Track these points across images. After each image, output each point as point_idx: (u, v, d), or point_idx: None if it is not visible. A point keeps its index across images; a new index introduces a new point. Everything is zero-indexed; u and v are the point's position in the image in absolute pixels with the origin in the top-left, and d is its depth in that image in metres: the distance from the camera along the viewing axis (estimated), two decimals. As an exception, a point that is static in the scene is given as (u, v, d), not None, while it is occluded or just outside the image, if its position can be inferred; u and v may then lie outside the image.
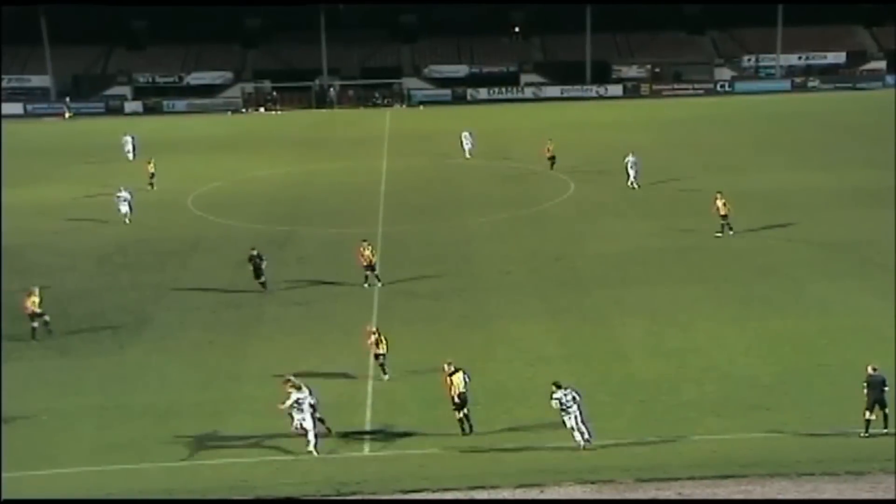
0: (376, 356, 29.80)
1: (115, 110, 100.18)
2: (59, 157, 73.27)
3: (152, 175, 59.61)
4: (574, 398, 24.69)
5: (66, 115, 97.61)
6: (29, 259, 43.73)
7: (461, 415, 25.99)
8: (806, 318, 34.29)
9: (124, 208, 50.07)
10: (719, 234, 44.40)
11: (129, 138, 69.52)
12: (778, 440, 25.15)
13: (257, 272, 38.38)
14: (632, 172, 55.04)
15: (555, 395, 24.79)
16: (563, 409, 24.69)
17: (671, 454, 24.61)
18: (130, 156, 68.45)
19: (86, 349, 33.43)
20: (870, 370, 25.19)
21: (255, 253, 38.46)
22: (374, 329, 30.23)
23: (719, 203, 44.58)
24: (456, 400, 25.97)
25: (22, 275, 40.29)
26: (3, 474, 23.58)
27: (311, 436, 25.12)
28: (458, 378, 26.06)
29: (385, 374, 29.70)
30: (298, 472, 24.34)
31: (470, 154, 66.49)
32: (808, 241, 43.74)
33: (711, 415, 26.85)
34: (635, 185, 54.71)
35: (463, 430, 25.97)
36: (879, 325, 32.60)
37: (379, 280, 38.80)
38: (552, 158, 61.56)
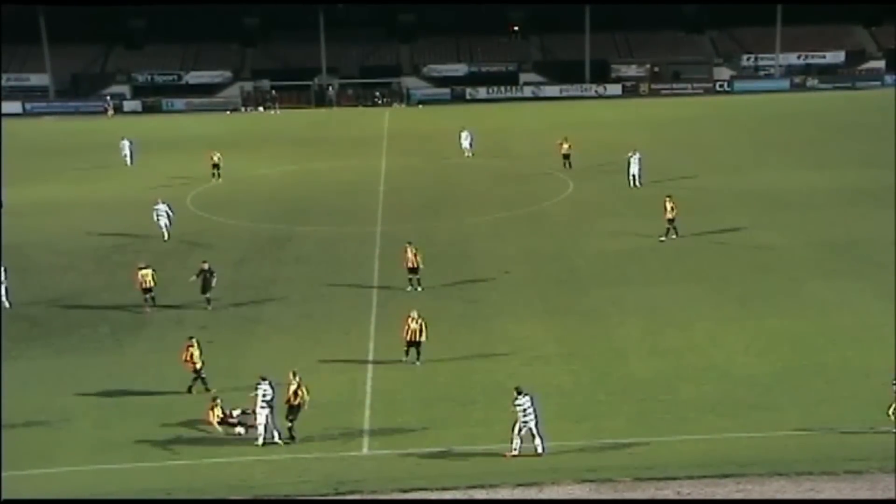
0: (417, 343, 30.69)
1: (114, 109, 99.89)
2: (59, 156, 73.14)
3: (216, 165, 60.62)
4: (532, 406, 24.73)
5: (110, 112, 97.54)
6: (28, 258, 43.65)
7: (291, 423, 26.02)
8: (804, 317, 34.31)
9: (164, 221, 46.77)
10: (663, 239, 44.13)
11: (126, 143, 68.28)
12: (776, 439, 25.18)
13: (205, 287, 36.62)
14: (635, 170, 54.95)
15: (517, 402, 24.73)
16: (523, 416, 24.64)
17: (670, 453, 24.63)
18: (128, 160, 67.33)
19: (84, 348, 33.44)
20: None
21: (206, 267, 36.75)
22: (415, 316, 30.76)
23: (668, 206, 44.28)
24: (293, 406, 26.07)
25: (21, 273, 40.20)
26: (3, 473, 23.58)
27: (260, 429, 25.89)
28: (302, 389, 26.16)
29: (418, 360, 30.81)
30: (296, 471, 24.36)
31: (470, 153, 66.45)
32: (807, 241, 43.77)
33: (710, 414, 26.87)
34: (638, 184, 54.60)
35: (291, 437, 25.98)
36: (878, 324, 32.64)
37: (420, 284, 38.39)
38: (567, 157, 61.35)
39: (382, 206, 53.24)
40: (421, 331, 30.66)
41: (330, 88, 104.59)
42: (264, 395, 26.06)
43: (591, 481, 22.92)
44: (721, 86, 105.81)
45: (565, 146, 61.60)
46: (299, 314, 36.27)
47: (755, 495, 22.06)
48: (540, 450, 24.62)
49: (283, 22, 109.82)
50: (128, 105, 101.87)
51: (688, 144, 70.89)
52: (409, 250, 38.47)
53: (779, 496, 21.98)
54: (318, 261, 43.19)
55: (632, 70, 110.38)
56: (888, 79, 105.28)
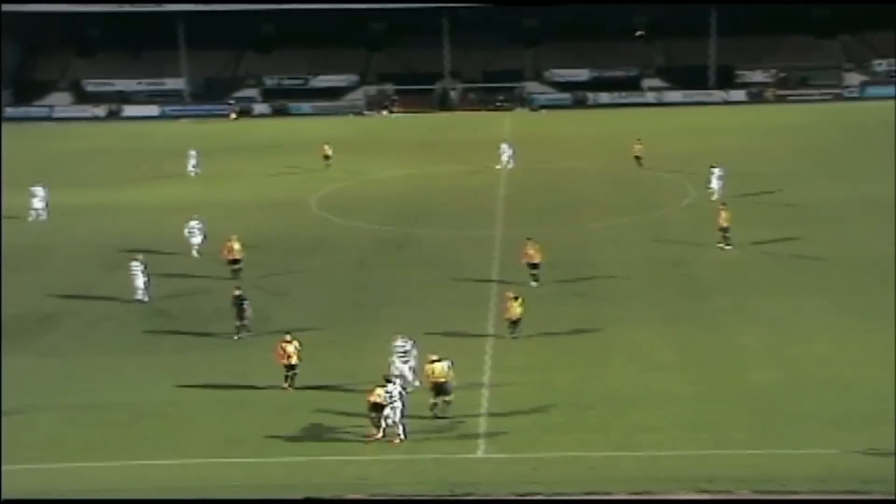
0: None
1: (245, 112, 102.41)
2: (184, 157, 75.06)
3: (327, 157, 65.47)
4: (401, 393, 25.92)
5: (232, 116, 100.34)
6: (162, 257, 44.34)
7: (436, 400, 27.27)
8: (934, 331, 33.25)
9: (196, 239, 45.19)
10: (720, 245, 43.89)
11: (193, 152, 66.22)
12: (903, 456, 24.52)
13: (239, 314, 34.69)
14: (716, 184, 53.70)
15: (386, 388, 25.96)
16: (390, 402, 25.72)
17: (790, 466, 24.21)
18: (193, 172, 65.39)
19: (212, 344, 34.43)
20: None
21: (237, 293, 34.99)
22: (513, 295, 33.40)
23: (723, 215, 44.14)
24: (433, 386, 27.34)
25: (157, 270, 41.33)
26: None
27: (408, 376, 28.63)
28: (440, 367, 27.30)
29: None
30: (412, 471, 24.65)
31: (508, 165, 65.21)
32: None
33: (833, 427, 26.31)
34: (716, 197, 52.43)
35: (435, 414, 27.23)
36: None
37: (537, 280, 39.07)
38: (638, 158, 63.35)
39: (503, 210, 53.43)
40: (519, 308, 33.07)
41: (452, 92, 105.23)
42: (399, 351, 29.20)
43: (708, 491, 22.72)
44: (851, 92, 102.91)
45: (637, 148, 63.39)
46: (418, 316, 36.44)
47: (879, 513, 21.60)
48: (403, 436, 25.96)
49: (407, 27, 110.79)
50: (257, 108, 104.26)
51: (811, 152, 69.06)
52: (529, 246, 39.09)
53: (903, 514, 21.46)
54: (438, 263, 43.60)
55: (758, 75, 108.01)
56: None
